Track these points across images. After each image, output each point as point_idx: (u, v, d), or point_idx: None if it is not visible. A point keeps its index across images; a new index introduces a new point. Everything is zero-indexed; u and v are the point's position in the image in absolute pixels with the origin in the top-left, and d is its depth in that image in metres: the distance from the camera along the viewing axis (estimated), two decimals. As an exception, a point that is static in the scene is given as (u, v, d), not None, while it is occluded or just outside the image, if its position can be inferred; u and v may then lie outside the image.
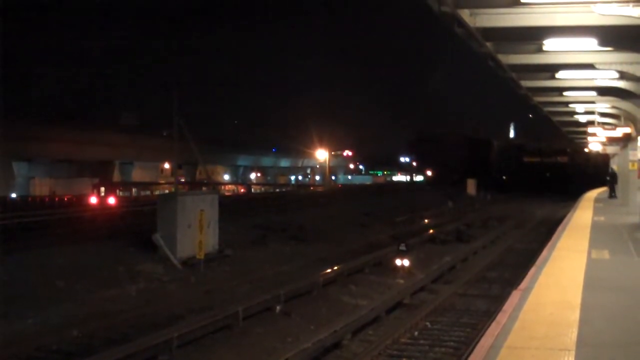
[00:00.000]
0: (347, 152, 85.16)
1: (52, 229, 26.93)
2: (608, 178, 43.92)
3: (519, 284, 12.15)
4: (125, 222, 30.09)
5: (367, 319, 14.80)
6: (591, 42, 17.06)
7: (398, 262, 21.66)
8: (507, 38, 19.00)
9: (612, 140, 37.87)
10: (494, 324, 8.88)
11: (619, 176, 40.81)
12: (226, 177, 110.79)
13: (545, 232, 31.07)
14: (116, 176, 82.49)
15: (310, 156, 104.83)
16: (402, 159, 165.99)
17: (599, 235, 19.75)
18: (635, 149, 31.20)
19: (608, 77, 22.83)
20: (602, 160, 56.93)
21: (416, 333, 14.03)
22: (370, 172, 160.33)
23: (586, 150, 57.68)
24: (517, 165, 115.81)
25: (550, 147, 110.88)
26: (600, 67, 20.26)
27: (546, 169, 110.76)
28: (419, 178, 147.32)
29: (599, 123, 35.22)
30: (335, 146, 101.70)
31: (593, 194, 51.02)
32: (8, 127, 57.53)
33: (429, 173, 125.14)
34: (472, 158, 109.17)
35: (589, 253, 15.55)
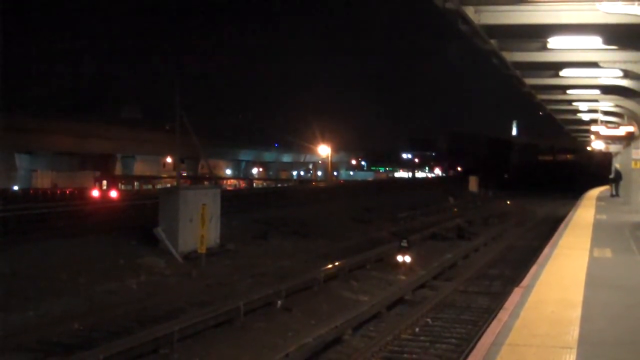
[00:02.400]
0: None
1: (53, 221, 26.85)
2: (611, 176, 43.84)
3: (520, 281, 12.14)
4: (127, 216, 30.01)
5: (368, 315, 14.81)
6: (596, 41, 17.06)
7: (399, 258, 21.67)
8: (511, 35, 19.01)
9: (615, 139, 37.85)
10: (495, 322, 8.87)
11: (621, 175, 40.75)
12: (228, 171, 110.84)
13: (546, 230, 31.05)
14: (118, 169, 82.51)
15: (313, 152, 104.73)
16: (403, 155, 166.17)
17: (601, 233, 19.71)
18: (638, 147, 31.18)
19: (612, 76, 22.81)
20: (607, 158, 56.97)
21: (417, 329, 14.04)
22: (372, 168, 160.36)
23: (589, 148, 57.64)
24: (533, 163, 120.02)
25: (561, 146, 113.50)
26: (605, 65, 20.25)
27: (558, 167, 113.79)
28: (420, 174, 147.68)
29: (602, 121, 35.19)
30: (338, 142, 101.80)
31: (595, 192, 50.95)
32: (10, 119, 57.59)
33: (458, 169, 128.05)
34: (495, 156, 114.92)
35: (591, 251, 15.51)
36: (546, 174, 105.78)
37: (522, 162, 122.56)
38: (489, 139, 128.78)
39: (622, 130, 32.56)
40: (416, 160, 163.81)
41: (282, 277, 18.52)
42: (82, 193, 57.13)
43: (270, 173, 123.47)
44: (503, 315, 9.03)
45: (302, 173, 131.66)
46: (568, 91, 28.63)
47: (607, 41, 17.27)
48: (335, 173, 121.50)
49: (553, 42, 17.72)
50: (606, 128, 34.13)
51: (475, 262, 23.45)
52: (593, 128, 36.38)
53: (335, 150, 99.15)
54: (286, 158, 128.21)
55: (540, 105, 34.98)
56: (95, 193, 57.15)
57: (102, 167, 77.48)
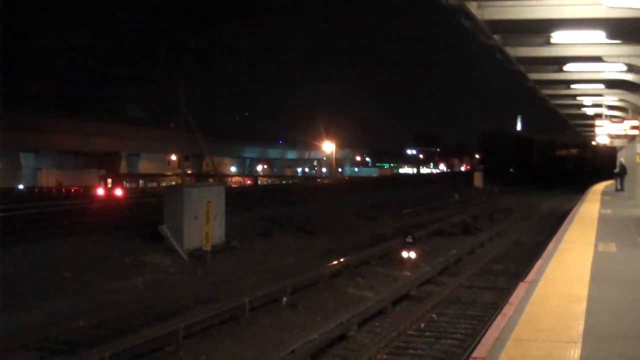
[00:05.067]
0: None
1: (58, 220, 26.96)
2: (616, 170, 43.73)
3: (525, 276, 12.14)
4: (132, 214, 30.12)
5: (373, 311, 14.81)
6: (599, 35, 17.03)
7: (404, 254, 21.66)
8: (514, 30, 18.99)
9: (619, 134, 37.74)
10: (500, 316, 8.88)
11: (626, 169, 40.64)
12: (233, 169, 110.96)
13: (551, 224, 31.01)
14: (123, 168, 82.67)
15: (317, 148, 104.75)
16: (408, 151, 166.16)
17: (606, 228, 19.69)
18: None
19: (616, 70, 22.77)
20: (612, 153, 56.85)
21: (422, 325, 14.04)
22: (377, 164, 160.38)
23: (593, 143, 57.57)
24: (551, 158, 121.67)
25: (575, 141, 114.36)
26: (608, 59, 20.23)
27: (573, 162, 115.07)
28: (425, 170, 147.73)
29: (606, 116, 35.13)
30: (343, 138, 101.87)
31: (600, 186, 50.86)
32: (15, 118, 57.80)
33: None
34: (519, 152, 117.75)
35: (596, 246, 15.50)
36: (562, 168, 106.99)
37: (543, 158, 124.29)
38: (513, 137, 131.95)
39: (627, 125, 32.45)
40: (421, 156, 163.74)
41: (287, 273, 18.53)
42: (87, 191, 57.31)
43: (275, 170, 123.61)
44: (508, 310, 9.04)
45: (306, 170, 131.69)
46: (572, 86, 28.60)
47: (611, 35, 17.24)
48: (340, 169, 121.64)
49: (556, 36, 17.70)
50: (610, 122, 34.04)
51: (481, 257, 23.41)
52: (597, 122, 36.30)
53: (339, 146, 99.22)
54: (291, 155, 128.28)
55: (544, 100, 34.94)
56: (100, 191, 57.28)
57: (107, 165, 77.76)
